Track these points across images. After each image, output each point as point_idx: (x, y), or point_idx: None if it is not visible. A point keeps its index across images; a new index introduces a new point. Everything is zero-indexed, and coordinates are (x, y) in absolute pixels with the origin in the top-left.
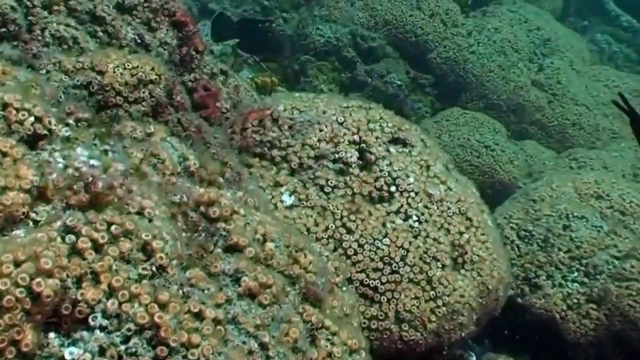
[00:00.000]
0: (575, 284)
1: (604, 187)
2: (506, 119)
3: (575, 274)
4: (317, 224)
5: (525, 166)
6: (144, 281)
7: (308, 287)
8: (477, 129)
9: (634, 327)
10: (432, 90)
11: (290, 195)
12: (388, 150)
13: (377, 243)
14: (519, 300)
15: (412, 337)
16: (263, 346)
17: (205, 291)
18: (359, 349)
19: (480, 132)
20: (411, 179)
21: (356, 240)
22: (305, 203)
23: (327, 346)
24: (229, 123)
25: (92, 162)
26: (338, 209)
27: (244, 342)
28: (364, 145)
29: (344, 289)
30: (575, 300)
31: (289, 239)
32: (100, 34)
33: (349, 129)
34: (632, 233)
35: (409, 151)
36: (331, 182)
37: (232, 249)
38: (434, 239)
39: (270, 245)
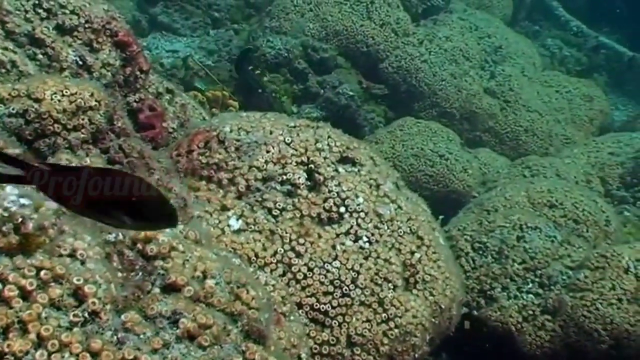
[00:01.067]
0: (530, 296)
1: (557, 195)
2: (459, 127)
3: (530, 285)
4: (265, 249)
5: (479, 174)
6: (75, 329)
7: (251, 324)
8: (431, 138)
9: (589, 338)
10: (384, 101)
11: (237, 220)
12: (337, 170)
13: (327, 266)
14: (475, 313)
15: None
16: None
17: (141, 336)
18: None
19: (433, 141)
20: (360, 199)
21: (305, 264)
22: (253, 227)
23: None
24: (174, 145)
25: (22, 201)
26: (287, 233)
27: None
28: (312, 165)
29: (292, 317)
30: (531, 312)
31: (230, 275)
32: (40, 56)
33: (296, 150)
34: (585, 242)
35: (358, 170)
36: (279, 205)
37: (171, 288)
38: (385, 260)
39: (210, 282)
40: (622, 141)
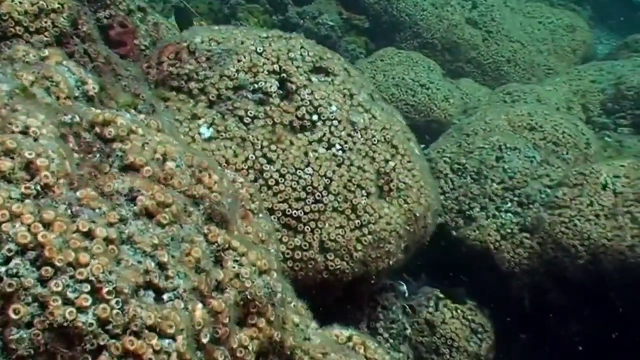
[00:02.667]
0: (509, 215)
1: (537, 118)
2: (441, 58)
3: (509, 204)
4: (236, 155)
5: (461, 104)
6: (27, 201)
7: (213, 207)
8: (412, 67)
9: (567, 254)
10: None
11: (208, 128)
12: (309, 80)
13: (300, 173)
14: (454, 232)
15: (338, 267)
16: (161, 266)
17: (97, 210)
18: (269, 270)
19: (415, 71)
20: (334, 108)
21: (277, 170)
22: (223, 135)
23: (234, 267)
24: (145, 58)
25: None
26: (258, 140)
27: (139, 262)
28: (284, 74)
29: (260, 215)
30: (509, 230)
31: (191, 159)
32: None
33: (268, 59)
34: (564, 163)
35: (332, 80)
36: (250, 113)
37: (129, 169)
38: (359, 167)
39: (170, 164)
40: (604, 69)
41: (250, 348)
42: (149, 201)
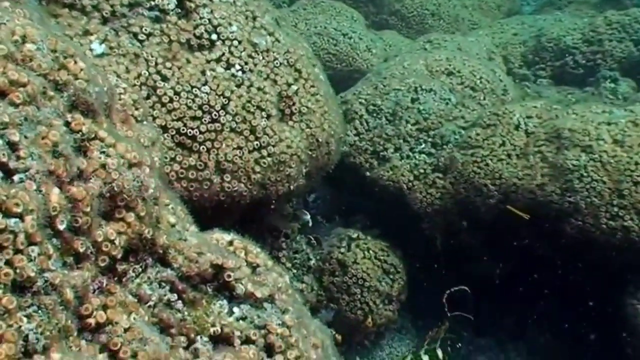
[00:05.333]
0: (423, 155)
1: (455, 64)
2: (365, 10)
3: (423, 145)
4: (128, 71)
5: (383, 55)
6: None
7: (78, 94)
8: (335, 17)
9: (479, 193)
10: None
11: (100, 44)
12: None
13: (196, 91)
14: (368, 174)
15: (235, 188)
16: (12, 145)
17: None
18: (140, 164)
19: (337, 20)
20: (234, 28)
21: (172, 88)
22: (116, 51)
23: (100, 157)
24: None
25: None
26: (152, 57)
27: None
28: None
29: (145, 122)
30: (422, 171)
31: (55, 44)
32: None
33: None
34: (480, 107)
35: (233, 1)
36: (146, 30)
37: None
38: (259, 89)
39: (30, 46)
40: (526, 22)
41: (117, 242)
42: (1, 78)
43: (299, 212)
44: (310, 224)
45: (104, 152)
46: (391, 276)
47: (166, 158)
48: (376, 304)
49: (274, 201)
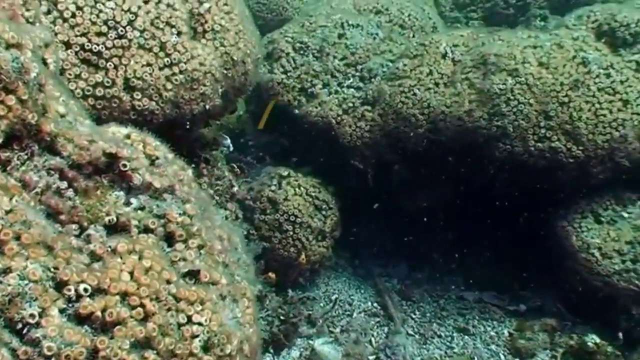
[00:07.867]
0: (351, 90)
1: (382, 2)
2: None
3: (351, 79)
4: None
5: (316, 6)
6: None
7: None
8: None
9: (407, 124)
10: None
11: None
12: None
13: (100, 6)
14: (296, 111)
15: (147, 107)
16: None
17: None
18: (21, 46)
19: None
20: None
21: (74, 2)
22: None
23: None
24: None
25: None
26: None
27: None
28: None
29: (38, 24)
30: (351, 105)
31: None
32: None
33: None
34: (407, 41)
35: None
36: None
37: None
38: (168, 5)
39: None
40: None
41: None
42: None
43: (218, 136)
44: (232, 149)
45: None
46: (323, 212)
47: (70, 75)
48: (309, 240)
49: (188, 122)
